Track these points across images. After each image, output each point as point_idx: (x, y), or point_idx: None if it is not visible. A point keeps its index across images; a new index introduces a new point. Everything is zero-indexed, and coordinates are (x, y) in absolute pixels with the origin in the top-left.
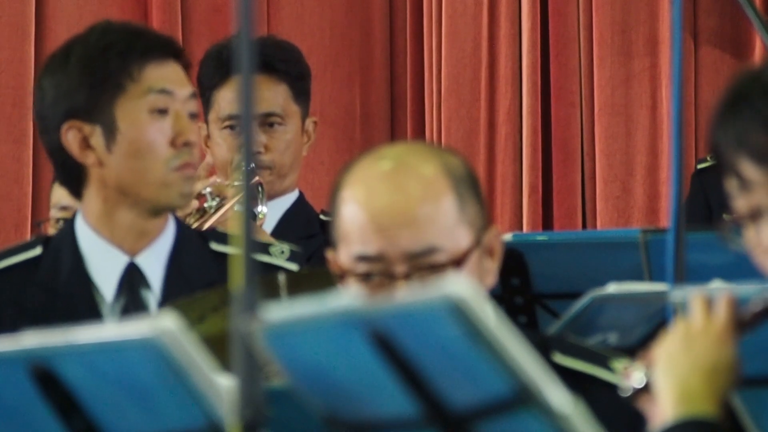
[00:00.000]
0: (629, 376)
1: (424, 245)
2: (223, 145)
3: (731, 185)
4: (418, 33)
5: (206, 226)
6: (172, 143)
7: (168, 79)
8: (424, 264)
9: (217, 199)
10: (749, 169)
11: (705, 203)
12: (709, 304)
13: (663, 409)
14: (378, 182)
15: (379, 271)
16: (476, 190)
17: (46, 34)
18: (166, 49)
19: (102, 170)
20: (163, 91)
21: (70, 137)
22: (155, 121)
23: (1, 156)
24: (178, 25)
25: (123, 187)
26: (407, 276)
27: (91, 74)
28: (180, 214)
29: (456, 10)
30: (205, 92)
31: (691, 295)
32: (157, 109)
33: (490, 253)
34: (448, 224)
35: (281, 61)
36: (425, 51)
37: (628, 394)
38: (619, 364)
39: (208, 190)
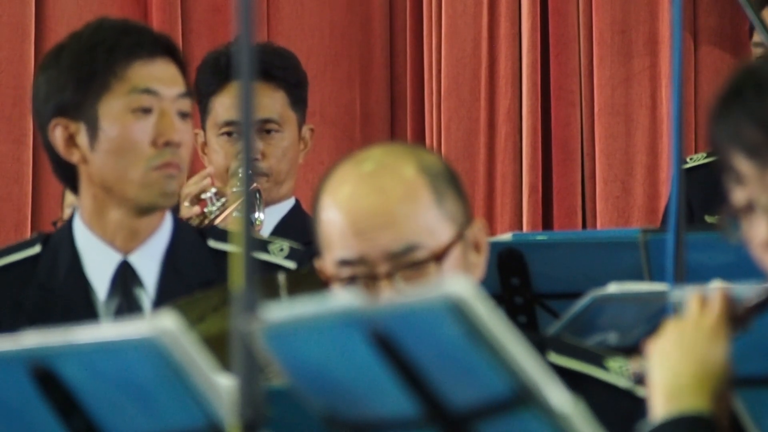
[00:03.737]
0: (631, 371)
1: (403, 244)
2: (220, 152)
3: (728, 178)
4: (418, 33)
5: None
6: (154, 143)
7: (154, 77)
8: (405, 262)
9: (218, 204)
10: (742, 163)
11: (687, 204)
12: (705, 301)
13: (654, 404)
14: (354, 186)
15: (362, 274)
16: (455, 185)
17: (46, 34)
18: (155, 46)
19: (87, 168)
20: (147, 91)
21: (57, 134)
22: (138, 120)
23: (1, 156)
24: (178, 25)
25: (106, 185)
26: (389, 275)
27: (78, 71)
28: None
29: (456, 10)
30: (202, 99)
31: (690, 293)
32: (140, 108)
33: (475, 247)
34: (426, 221)
35: (279, 68)
36: (425, 51)
37: (630, 386)
38: (614, 363)
39: (209, 194)
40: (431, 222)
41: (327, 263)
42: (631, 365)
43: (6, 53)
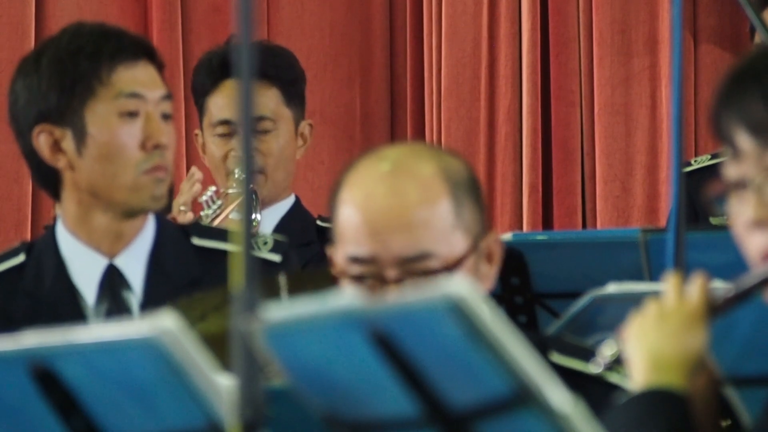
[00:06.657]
0: (599, 352)
1: (417, 251)
2: (215, 151)
3: (725, 153)
4: (418, 33)
5: None
6: (143, 146)
7: (138, 81)
8: (416, 269)
9: (215, 207)
10: (743, 139)
11: (691, 206)
12: (683, 288)
13: (634, 376)
14: (375, 184)
15: (371, 274)
16: (476, 194)
17: (46, 34)
18: (136, 50)
19: (74, 174)
20: (133, 95)
21: (42, 141)
22: (125, 125)
23: (1, 156)
24: (178, 25)
25: (95, 190)
26: (399, 281)
27: (61, 78)
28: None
29: (456, 10)
30: (198, 99)
31: (668, 276)
32: (127, 113)
33: (488, 258)
34: (443, 229)
35: (272, 66)
36: (425, 51)
37: (600, 369)
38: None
39: (205, 198)
40: (447, 231)
41: (338, 256)
42: (605, 351)
43: (6, 53)
